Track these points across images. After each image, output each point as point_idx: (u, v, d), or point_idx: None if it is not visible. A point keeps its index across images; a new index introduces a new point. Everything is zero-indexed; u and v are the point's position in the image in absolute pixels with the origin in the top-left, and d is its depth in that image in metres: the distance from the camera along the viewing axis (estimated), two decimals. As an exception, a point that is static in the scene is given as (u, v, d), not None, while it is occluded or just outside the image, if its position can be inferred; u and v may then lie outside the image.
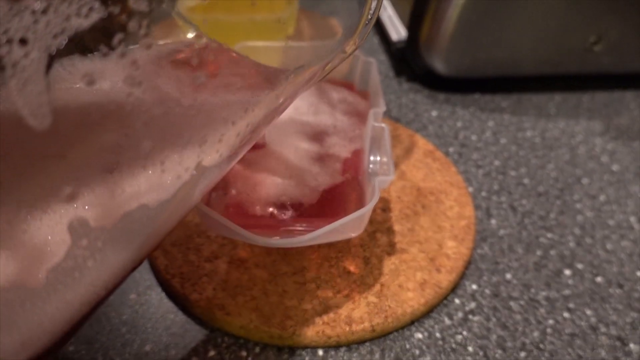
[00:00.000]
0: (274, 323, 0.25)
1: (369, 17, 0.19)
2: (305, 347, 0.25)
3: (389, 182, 0.23)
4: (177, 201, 0.15)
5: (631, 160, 0.38)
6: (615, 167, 0.38)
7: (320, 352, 0.25)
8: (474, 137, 0.40)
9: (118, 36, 0.12)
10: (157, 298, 0.27)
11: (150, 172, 0.13)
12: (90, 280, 0.13)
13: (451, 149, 0.38)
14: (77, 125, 0.12)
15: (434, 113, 0.43)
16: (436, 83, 0.46)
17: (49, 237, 0.12)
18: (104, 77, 0.12)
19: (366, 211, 0.22)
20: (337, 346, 0.25)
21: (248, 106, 0.16)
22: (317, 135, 0.28)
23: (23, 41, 0.10)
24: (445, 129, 0.41)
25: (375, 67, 0.32)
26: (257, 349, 0.25)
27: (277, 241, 0.20)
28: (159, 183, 0.14)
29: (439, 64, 0.44)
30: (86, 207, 0.12)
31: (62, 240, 0.12)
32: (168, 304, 0.27)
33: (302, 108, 0.28)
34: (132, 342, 0.25)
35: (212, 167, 0.16)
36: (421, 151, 0.36)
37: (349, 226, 0.22)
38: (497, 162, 0.37)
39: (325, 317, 0.25)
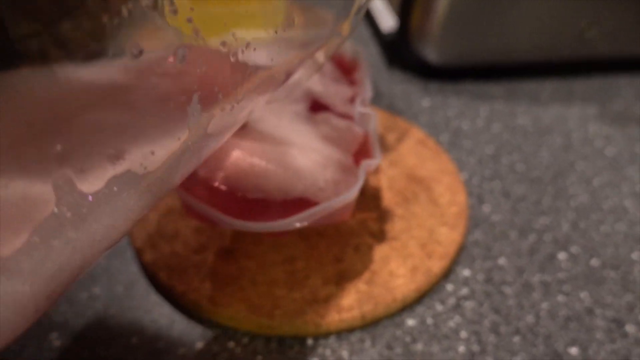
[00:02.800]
0: (262, 312, 0.24)
1: None
2: (294, 337, 0.24)
3: (374, 165, 0.23)
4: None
5: (625, 145, 0.38)
6: (609, 152, 0.37)
7: (310, 341, 0.24)
8: (465, 126, 0.40)
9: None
10: (144, 291, 0.27)
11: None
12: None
13: (443, 138, 0.38)
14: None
15: (426, 103, 0.42)
16: (428, 73, 0.45)
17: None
18: None
19: (352, 195, 0.21)
20: (326, 335, 0.25)
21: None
22: (311, 110, 0.27)
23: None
24: (437, 118, 0.40)
25: (362, 55, 0.32)
26: (246, 340, 0.24)
27: (256, 225, 0.20)
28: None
29: (430, 53, 0.44)
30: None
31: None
32: (155, 297, 0.26)
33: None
34: (119, 335, 0.25)
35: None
36: (413, 140, 0.36)
37: (334, 210, 0.22)
38: (489, 150, 0.37)
39: (314, 306, 0.25)
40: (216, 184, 0.22)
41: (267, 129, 0.25)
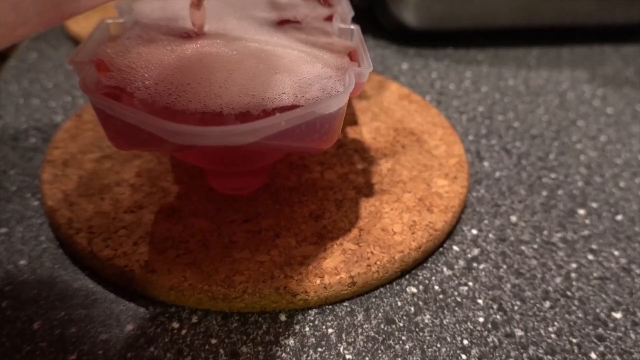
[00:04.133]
0: (216, 280, 0.18)
1: None
2: (262, 312, 0.18)
3: (367, 74, 0.17)
4: None
5: (625, 104, 0.34)
6: (609, 110, 0.33)
7: (283, 317, 0.18)
8: (451, 87, 0.35)
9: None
10: (57, 262, 0.20)
11: None
12: None
13: (428, 97, 0.33)
14: None
15: (405, 66, 0.37)
16: (405, 38, 0.41)
17: None
18: None
19: (341, 99, 0.16)
20: (305, 308, 0.18)
21: None
22: (277, 26, 0.22)
23: None
24: (419, 79, 0.36)
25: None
26: (195, 318, 0.18)
27: (215, 130, 0.14)
28: None
29: (408, 15, 0.39)
30: None
31: None
32: (71, 268, 0.19)
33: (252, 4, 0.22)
34: (14, 319, 0.17)
35: None
36: (395, 95, 0.31)
37: (315, 126, 0.16)
38: (481, 108, 0.32)
39: (287, 270, 0.18)
40: (153, 90, 0.16)
41: (232, 31, 0.19)
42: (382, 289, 0.19)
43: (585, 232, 0.23)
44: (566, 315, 0.19)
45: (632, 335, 0.18)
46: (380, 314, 0.18)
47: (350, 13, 0.23)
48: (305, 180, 0.23)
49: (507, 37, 0.42)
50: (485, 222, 0.23)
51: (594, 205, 0.25)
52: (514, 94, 0.35)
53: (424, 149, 0.26)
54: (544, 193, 0.25)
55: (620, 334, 0.18)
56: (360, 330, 0.18)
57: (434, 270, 0.20)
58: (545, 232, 0.23)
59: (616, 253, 0.22)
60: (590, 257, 0.22)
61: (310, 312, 0.18)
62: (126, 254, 0.19)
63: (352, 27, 0.21)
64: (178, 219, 0.20)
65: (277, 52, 0.18)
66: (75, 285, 0.19)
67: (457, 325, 0.18)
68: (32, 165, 0.25)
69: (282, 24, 0.22)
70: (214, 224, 0.20)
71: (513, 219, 0.23)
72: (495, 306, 0.19)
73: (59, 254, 0.20)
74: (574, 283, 0.20)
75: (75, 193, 0.22)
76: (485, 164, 0.27)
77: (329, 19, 0.23)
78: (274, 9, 0.23)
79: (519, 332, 0.18)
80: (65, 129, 0.26)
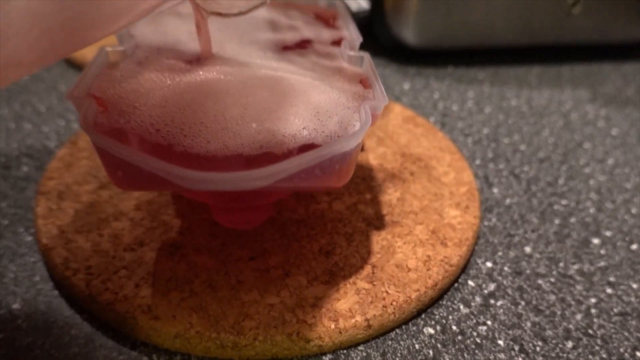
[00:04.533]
0: (225, 326, 0.17)
1: None
2: (273, 359, 0.17)
3: (382, 108, 0.17)
4: None
5: (629, 125, 0.34)
6: (614, 132, 0.33)
7: (296, 364, 0.17)
8: (455, 107, 0.34)
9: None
10: (52, 305, 0.18)
11: None
12: None
13: (432, 119, 0.33)
14: None
15: (406, 86, 0.37)
16: (405, 57, 0.40)
17: None
18: None
19: (354, 141, 0.15)
20: (319, 353, 0.17)
21: None
22: (282, 51, 0.21)
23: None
24: (422, 100, 0.35)
25: (342, 6, 0.26)
26: (202, 367, 0.17)
27: (223, 175, 0.13)
28: None
29: (408, 34, 0.39)
30: None
31: None
32: (67, 312, 0.18)
33: (257, 23, 0.22)
34: (6, 372, 0.16)
35: None
36: (399, 117, 0.30)
37: (330, 166, 0.15)
38: (485, 130, 0.32)
39: (299, 313, 0.17)
40: (156, 130, 0.15)
41: (236, 58, 0.18)
42: (397, 331, 0.18)
43: (602, 264, 0.22)
44: (590, 357, 0.18)
45: (660, 378, 0.17)
46: (397, 358, 0.17)
47: (358, 39, 0.22)
48: (313, 211, 0.22)
49: (507, 55, 0.42)
50: (500, 253, 0.22)
51: (608, 233, 0.24)
52: (518, 115, 0.34)
53: (433, 177, 0.25)
54: (557, 221, 0.24)
55: (647, 377, 0.17)
56: (377, 377, 0.17)
57: (450, 309, 0.20)
58: (561, 264, 0.22)
59: (634, 286, 0.21)
60: (609, 290, 0.21)
61: (324, 358, 0.17)
62: (127, 297, 0.18)
63: (363, 54, 0.20)
64: (181, 256, 0.19)
65: (289, 80, 0.17)
66: (72, 332, 0.18)
67: (478, 370, 0.17)
68: (24, 196, 0.24)
69: (287, 48, 0.21)
70: (219, 261, 0.19)
71: (527, 250, 0.23)
72: (516, 347, 0.18)
73: (54, 296, 0.19)
74: (595, 320, 0.19)
75: (71, 229, 0.20)
76: (495, 190, 0.26)
77: (335, 43, 0.22)
78: (276, 31, 0.22)
79: (543, 377, 0.17)
80: (59, 157, 0.25)
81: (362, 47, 0.38)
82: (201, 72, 0.17)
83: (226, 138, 0.14)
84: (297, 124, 0.15)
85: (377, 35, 0.41)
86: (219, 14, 0.18)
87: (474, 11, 0.38)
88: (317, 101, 0.16)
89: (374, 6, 0.40)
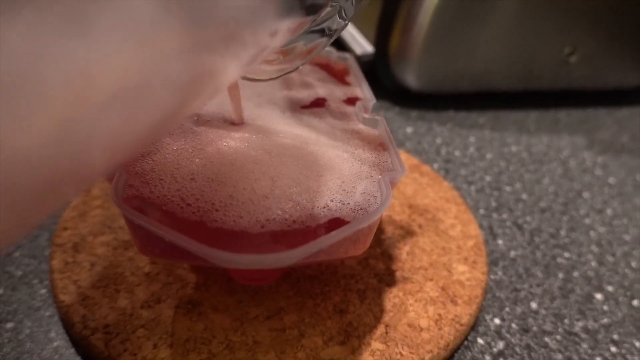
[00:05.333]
0: (244, 390, 0.17)
1: None
2: (290, 423, 0.17)
3: (400, 177, 0.17)
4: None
5: (626, 173, 0.35)
6: (612, 180, 0.34)
7: None
8: (457, 153, 0.35)
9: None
10: (69, 365, 0.19)
11: None
12: None
13: (436, 165, 0.33)
14: None
15: (409, 129, 0.38)
16: (407, 100, 0.42)
17: None
18: None
19: (377, 216, 0.15)
20: (335, 417, 0.18)
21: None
22: (301, 111, 0.21)
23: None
24: (425, 145, 0.36)
25: (353, 61, 0.27)
26: None
27: (256, 259, 0.13)
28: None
29: (410, 78, 0.40)
30: None
31: None
32: (85, 373, 0.18)
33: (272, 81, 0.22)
34: None
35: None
36: (405, 166, 0.31)
37: (353, 239, 0.16)
38: (488, 178, 0.33)
39: (316, 376, 0.18)
40: (185, 204, 0.15)
41: (256, 121, 0.19)
42: (411, 392, 0.19)
43: (605, 320, 0.23)
44: (599, 420, 0.18)
45: None
46: (411, 422, 0.18)
47: (372, 100, 0.23)
48: (326, 267, 0.22)
49: (506, 100, 0.43)
50: (507, 309, 0.23)
51: (610, 289, 0.25)
52: (518, 162, 0.35)
53: (440, 229, 0.26)
54: (560, 275, 0.25)
55: None
56: None
57: (461, 368, 0.20)
58: (567, 321, 0.23)
59: (637, 344, 0.22)
60: (613, 349, 0.21)
61: (340, 421, 0.18)
62: (146, 359, 0.18)
63: (378, 117, 0.21)
64: (199, 315, 0.20)
65: (313, 148, 0.18)
66: (90, 393, 0.18)
67: None
68: (37, 245, 0.24)
69: (304, 107, 0.21)
70: (236, 321, 0.20)
71: (534, 305, 0.23)
72: (527, 410, 0.19)
73: (71, 355, 0.19)
74: (602, 381, 0.20)
75: (88, 284, 0.21)
76: (500, 241, 0.27)
77: (349, 101, 0.23)
78: (290, 88, 0.23)
79: None
80: (73, 205, 0.25)
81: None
82: (226, 142, 0.18)
83: (257, 213, 0.15)
84: (325, 197, 0.16)
85: (380, 79, 0.42)
86: (251, 79, 0.19)
87: (475, 58, 0.40)
88: (341, 171, 0.17)
89: (378, 50, 0.41)
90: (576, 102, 0.45)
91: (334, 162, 0.18)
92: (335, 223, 0.15)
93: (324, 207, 0.16)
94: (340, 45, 0.45)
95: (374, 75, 0.42)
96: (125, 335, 0.19)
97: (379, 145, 0.20)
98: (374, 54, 0.41)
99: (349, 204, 0.16)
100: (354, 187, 0.17)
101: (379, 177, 0.17)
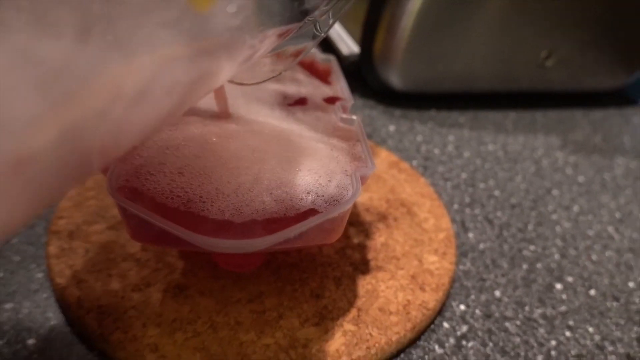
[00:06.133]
0: (225, 365, 0.19)
1: None
2: (267, 395, 0.19)
3: (370, 174, 0.19)
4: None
5: (595, 173, 0.37)
6: (581, 179, 0.36)
7: (288, 400, 0.19)
8: (436, 151, 0.37)
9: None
10: (66, 342, 0.20)
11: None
12: None
13: (415, 162, 0.35)
14: None
15: (392, 128, 0.40)
16: (391, 99, 0.43)
17: None
18: None
19: (346, 208, 0.17)
20: (308, 390, 0.19)
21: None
22: (287, 107, 0.23)
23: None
24: (406, 143, 0.38)
25: (336, 62, 0.29)
26: (204, 402, 0.19)
27: (235, 243, 0.15)
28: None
29: (394, 78, 0.42)
30: None
31: None
32: (81, 350, 0.20)
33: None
34: (24, 405, 0.18)
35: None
36: (385, 162, 0.33)
37: (325, 228, 0.17)
38: (464, 175, 0.35)
39: (292, 353, 0.20)
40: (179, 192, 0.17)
41: (245, 114, 0.21)
42: (379, 369, 0.21)
43: (563, 308, 0.25)
44: (548, 395, 0.20)
45: (608, 416, 0.20)
46: (378, 395, 0.20)
47: (350, 101, 0.24)
48: (305, 255, 0.24)
49: (486, 100, 0.45)
50: (472, 297, 0.25)
51: (570, 279, 0.27)
52: (494, 160, 0.37)
53: (414, 222, 0.27)
54: (525, 266, 0.27)
55: (597, 415, 0.20)
56: (360, 413, 0.19)
57: (426, 349, 0.22)
58: (527, 308, 0.24)
59: (590, 330, 0.24)
60: (568, 334, 0.23)
61: (313, 394, 0.19)
62: (136, 337, 0.19)
63: (354, 117, 0.23)
64: (185, 298, 0.21)
65: (294, 144, 0.20)
66: (85, 368, 0.19)
67: (449, 407, 0.19)
68: (34, 233, 0.25)
69: (291, 105, 0.23)
70: (219, 303, 0.21)
71: (497, 294, 0.25)
72: (484, 386, 0.20)
73: (67, 333, 0.21)
74: (554, 361, 0.22)
75: (83, 269, 0.22)
76: (470, 235, 0.29)
77: (330, 100, 0.24)
78: (279, 82, 0.24)
79: (506, 414, 0.19)
80: (68, 196, 0.27)
81: (353, 89, 0.41)
82: (212, 136, 0.20)
83: (241, 205, 0.17)
84: (302, 190, 0.17)
85: (366, 78, 0.44)
86: (238, 83, 0.20)
87: (456, 60, 0.41)
88: (319, 166, 0.19)
89: (363, 51, 0.42)
90: (553, 103, 0.47)
91: (313, 157, 0.19)
92: (311, 213, 0.17)
93: (301, 199, 0.17)
94: (328, 44, 0.47)
95: (359, 75, 0.44)
96: (117, 315, 0.20)
97: (354, 143, 0.21)
98: (360, 54, 0.43)
99: (323, 196, 0.18)
100: (329, 181, 0.18)
101: (352, 172, 0.19)
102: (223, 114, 0.21)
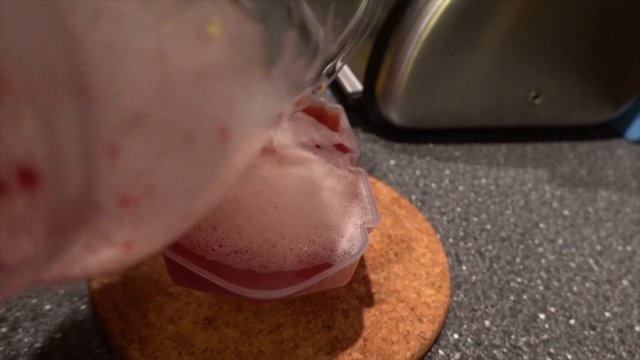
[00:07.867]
0: (251, 390, 0.22)
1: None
2: (287, 416, 0.22)
3: (375, 225, 0.22)
4: None
5: (579, 206, 0.40)
6: (566, 212, 0.39)
7: (304, 420, 0.22)
8: (433, 185, 0.40)
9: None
10: (111, 369, 0.23)
11: None
12: None
13: (414, 197, 0.38)
14: None
15: (392, 162, 0.43)
16: (391, 133, 0.47)
17: None
18: None
19: (356, 259, 0.20)
20: (322, 412, 0.22)
21: None
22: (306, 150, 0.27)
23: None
24: (405, 177, 0.41)
25: (343, 112, 0.32)
26: (232, 422, 0.22)
27: (263, 293, 0.18)
28: None
29: (394, 115, 0.45)
30: None
31: None
32: (124, 376, 0.23)
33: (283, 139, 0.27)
34: None
35: None
36: (387, 199, 0.36)
37: (337, 276, 0.20)
38: (458, 209, 0.38)
39: (308, 379, 0.23)
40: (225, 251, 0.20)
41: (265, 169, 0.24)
42: (383, 393, 0.24)
43: (545, 336, 0.28)
44: (529, 416, 0.23)
45: None
46: (382, 416, 0.23)
47: (357, 152, 0.28)
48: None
49: (480, 134, 0.49)
50: (465, 326, 0.28)
51: (552, 309, 0.30)
52: (486, 194, 0.40)
53: (413, 257, 0.31)
54: (512, 297, 0.30)
55: None
56: None
57: (424, 375, 0.25)
58: (513, 337, 0.28)
59: (569, 357, 0.27)
60: (549, 360, 0.26)
61: (326, 415, 0.22)
62: (174, 365, 0.22)
63: (361, 170, 0.26)
64: (213, 329, 0.24)
65: (313, 196, 0.23)
66: (129, 392, 0.22)
67: None
68: (74, 267, 0.29)
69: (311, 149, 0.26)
70: (244, 334, 0.24)
71: (487, 323, 0.28)
72: (473, 408, 0.24)
73: (111, 361, 0.24)
74: (536, 386, 0.25)
75: (122, 302, 0.25)
76: (464, 267, 0.32)
77: (339, 147, 0.28)
78: (298, 132, 0.27)
79: None
80: (104, 233, 0.30)
81: (357, 123, 0.44)
82: (241, 191, 0.23)
83: (266, 259, 0.20)
84: (319, 246, 0.21)
85: (368, 114, 0.47)
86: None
87: (452, 98, 0.45)
88: (334, 223, 0.22)
89: (366, 90, 0.46)
90: (542, 136, 0.50)
91: (328, 213, 0.22)
92: (326, 266, 0.20)
93: (317, 255, 0.21)
94: (334, 82, 0.50)
95: (362, 111, 0.47)
96: (155, 346, 0.23)
97: (361, 194, 0.25)
98: (363, 92, 0.46)
99: (336, 251, 0.21)
100: (342, 236, 0.21)
101: (360, 224, 0.22)
102: (270, 149, 0.24)
